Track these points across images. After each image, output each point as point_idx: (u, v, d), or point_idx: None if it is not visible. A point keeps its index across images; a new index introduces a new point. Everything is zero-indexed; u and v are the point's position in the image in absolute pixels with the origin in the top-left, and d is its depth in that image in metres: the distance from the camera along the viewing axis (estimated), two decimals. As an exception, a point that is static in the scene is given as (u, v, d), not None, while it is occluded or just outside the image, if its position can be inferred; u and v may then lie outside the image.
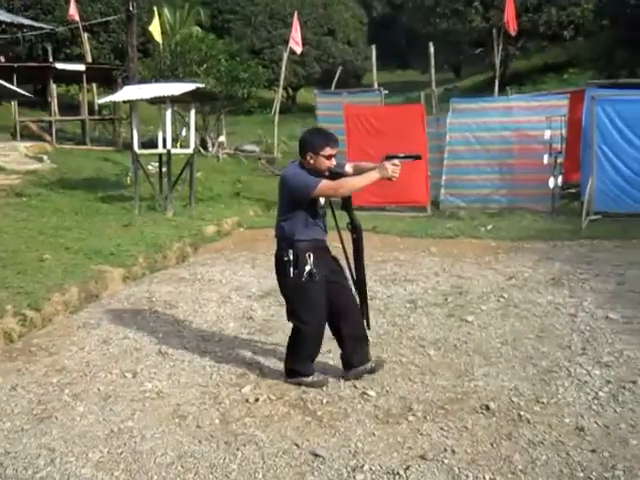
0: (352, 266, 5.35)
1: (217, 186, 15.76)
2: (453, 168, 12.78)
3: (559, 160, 11.75)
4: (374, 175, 4.91)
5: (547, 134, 11.49)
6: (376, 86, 17.18)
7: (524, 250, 9.73)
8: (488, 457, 4.10)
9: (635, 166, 11.16)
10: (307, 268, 4.96)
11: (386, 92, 15.16)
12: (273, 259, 5.19)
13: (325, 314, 5.14)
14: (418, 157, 5.27)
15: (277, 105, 21.79)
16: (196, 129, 21.93)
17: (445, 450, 4.19)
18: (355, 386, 5.17)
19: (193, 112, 13.58)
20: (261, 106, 26.80)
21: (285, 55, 21.79)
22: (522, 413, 4.63)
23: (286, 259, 4.99)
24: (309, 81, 38.63)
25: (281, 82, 22.31)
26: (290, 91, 39.57)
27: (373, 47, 18.40)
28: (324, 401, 4.95)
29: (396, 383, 5.23)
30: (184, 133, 18.26)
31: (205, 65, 21.43)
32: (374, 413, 4.75)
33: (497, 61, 20.00)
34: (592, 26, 25.84)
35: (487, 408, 4.71)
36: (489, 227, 11.21)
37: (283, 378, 5.29)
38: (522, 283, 7.89)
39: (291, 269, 4.97)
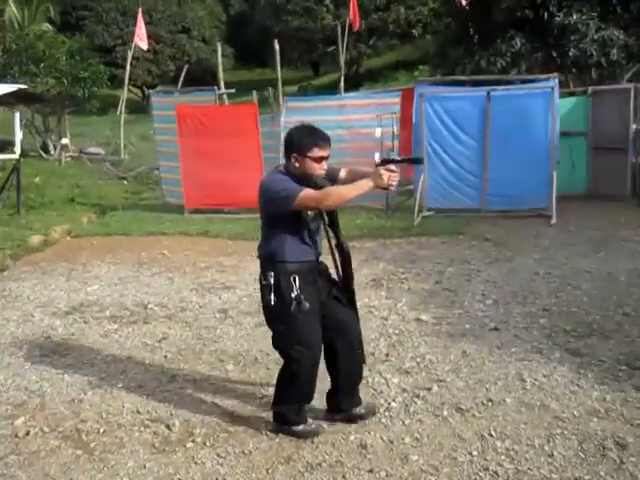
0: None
1: (52, 192, 14.84)
2: (289, 167, 12.51)
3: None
4: (366, 184, 4.04)
5: (378, 132, 11.43)
6: (222, 85, 16.71)
7: (354, 250, 9.51)
8: (258, 486, 3.80)
9: (463, 162, 11.28)
10: (293, 295, 4.12)
11: (232, 91, 14.72)
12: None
13: (319, 349, 4.30)
14: (418, 161, 4.60)
15: (122, 105, 20.99)
16: (37, 132, 21.05)
17: (216, 480, 3.87)
18: (138, 411, 4.76)
19: (18, 115, 12.73)
20: (114, 106, 25.76)
21: (130, 53, 20.98)
22: (306, 433, 4.35)
23: (264, 283, 4.19)
24: (164, 79, 37.71)
25: (126, 80, 21.55)
26: (145, 90, 38.49)
27: (219, 44, 17.89)
28: (101, 430, 4.51)
29: (183, 404, 4.84)
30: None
31: (43, 64, 20.33)
32: (152, 441, 4.36)
33: (342, 58, 19.91)
34: (438, 24, 26.39)
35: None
36: (323, 227, 11.00)
37: (266, 425, 4.49)
38: (342, 286, 7.68)
39: (272, 296, 4.14)
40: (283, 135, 12.18)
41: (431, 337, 5.99)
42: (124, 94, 21.88)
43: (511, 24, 12.56)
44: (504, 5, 12.53)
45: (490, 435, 4.20)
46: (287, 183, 4.07)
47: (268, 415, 4.53)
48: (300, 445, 4.20)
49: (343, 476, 3.86)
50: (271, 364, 5.45)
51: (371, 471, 3.89)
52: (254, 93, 13.02)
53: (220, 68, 18.23)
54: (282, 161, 4.30)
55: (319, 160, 4.11)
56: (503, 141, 10.92)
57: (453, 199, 11.36)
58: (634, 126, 11.75)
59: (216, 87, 14.03)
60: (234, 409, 4.73)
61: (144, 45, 21.07)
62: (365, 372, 5.21)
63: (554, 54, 12.48)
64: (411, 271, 8.13)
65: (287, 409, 4.36)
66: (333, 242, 4.34)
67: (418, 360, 5.49)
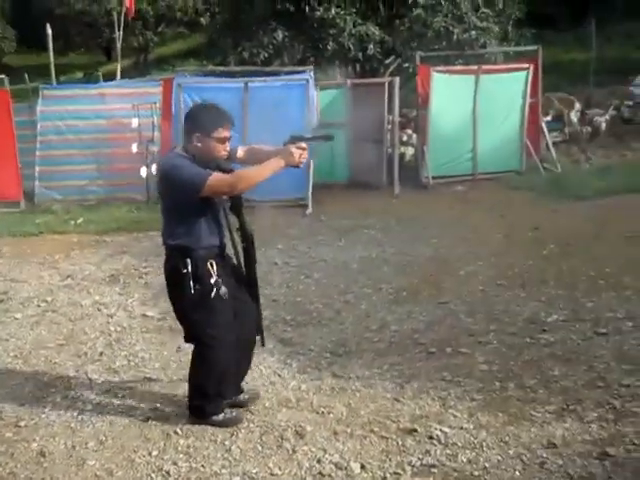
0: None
1: None
2: (47, 159, 11.91)
3: (154, 149, 11.46)
4: (277, 163, 3.92)
5: (135, 122, 11.14)
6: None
7: (104, 244, 9.28)
8: None
9: (223, 153, 11.22)
10: (212, 280, 3.96)
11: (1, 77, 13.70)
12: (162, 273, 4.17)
13: (235, 333, 4.14)
14: (329, 138, 4.42)
15: None
16: None
17: None
18: None
19: None
20: None
21: None
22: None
23: (185, 271, 3.92)
24: None
25: None
26: None
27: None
28: None
29: None
30: None
31: None
32: None
33: (118, 45, 19.33)
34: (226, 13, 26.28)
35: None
36: (79, 221, 10.60)
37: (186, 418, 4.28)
38: (77, 283, 7.42)
39: (191, 283, 3.92)
40: (40, 125, 11.67)
41: (152, 333, 5.89)
42: None
43: (273, 16, 12.68)
44: (263, -4, 12.69)
45: (176, 433, 4.14)
46: (194, 168, 3.87)
47: None
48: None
49: (6, 489, 3.66)
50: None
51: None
52: (5, 79, 12.18)
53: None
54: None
55: (223, 141, 3.95)
56: (261, 132, 10.94)
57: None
58: (390, 118, 12.25)
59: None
60: None
61: None
62: (72, 373, 5.06)
63: (315, 47, 12.74)
64: (153, 265, 7.95)
65: (206, 401, 4.18)
66: (235, 226, 4.19)
67: (130, 358, 5.37)
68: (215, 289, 4.00)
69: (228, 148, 4.04)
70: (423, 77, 12.10)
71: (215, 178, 3.85)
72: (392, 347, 5.37)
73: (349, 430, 4.09)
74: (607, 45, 23.22)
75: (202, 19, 32.43)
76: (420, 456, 3.80)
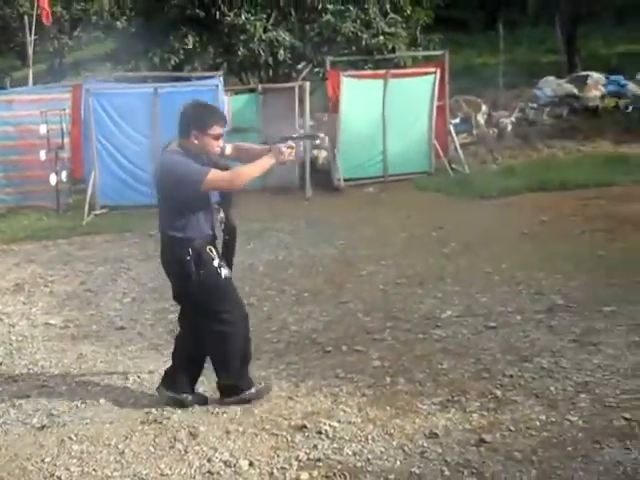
0: None
1: None
2: (-47, 167, 11.67)
3: (63, 155, 11.35)
4: (269, 161, 4.27)
5: (43, 129, 10.99)
6: None
7: (11, 253, 9.15)
8: None
9: (134, 158, 11.20)
10: (215, 263, 4.29)
11: None
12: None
13: (244, 306, 4.58)
14: (314, 137, 4.81)
15: None
16: None
17: None
18: None
19: None
20: None
21: None
22: None
23: (188, 259, 4.20)
24: None
25: None
26: None
27: None
28: None
29: None
30: None
31: None
32: None
33: (29, 50, 19.00)
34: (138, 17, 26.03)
35: None
36: (-12, 230, 10.41)
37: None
38: (-22, 294, 7.32)
39: (196, 269, 4.21)
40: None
41: (54, 341, 5.89)
42: None
43: (183, 21, 12.70)
44: (174, 2, 12.65)
45: (70, 439, 4.18)
46: (194, 166, 4.14)
47: None
48: None
49: None
50: None
51: None
52: None
53: None
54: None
55: (218, 137, 4.22)
56: (171, 137, 10.98)
57: (126, 196, 11.24)
58: (300, 121, 12.41)
59: None
60: None
61: None
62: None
63: (227, 52, 12.82)
64: (60, 273, 7.92)
65: (237, 378, 4.47)
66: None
67: (30, 367, 5.38)
68: (219, 269, 4.31)
69: (221, 144, 4.31)
70: (333, 82, 12.30)
71: (215, 174, 4.15)
72: (290, 347, 5.51)
73: (241, 429, 4.21)
74: (517, 49, 24.02)
75: (118, 23, 32.03)
76: (307, 451, 3.94)
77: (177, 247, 4.26)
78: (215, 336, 4.41)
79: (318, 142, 11.77)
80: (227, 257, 4.49)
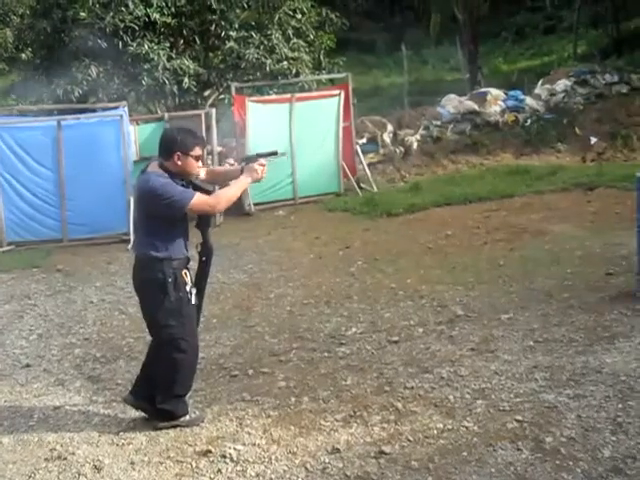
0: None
1: None
2: None
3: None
4: (245, 181, 4.49)
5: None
6: None
7: None
8: None
9: (40, 192, 11.01)
10: (187, 288, 4.42)
11: None
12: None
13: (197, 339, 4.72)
14: (275, 153, 4.72)
15: None
16: None
17: None
18: None
19: None
20: None
21: None
22: None
23: (169, 280, 4.32)
24: None
25: None
26: None
27: None
28: None
29: None
30: None
31: None
32: None
33: None
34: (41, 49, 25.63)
35: None
36: None
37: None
38: None
39: (172, 291, 4.32)
40: None
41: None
42: None
43: (86, 52, 12.59)
44: (75, 33, 12.55)
45: (-30, 480, 4.14)
46: (178, 188, 4.28)
47: None
48: None
49: None
50: None
51: None
52: None
53: None
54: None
55: (198, 159, 4.43)
56: (78, 169, 10.91)
57: (33, 231, 11.05)
58: (208, 147, 12.45)
59: None
60: None
61: None
62: None
63: (132, 82, 12.76)
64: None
65: (173, 404, 4.54)
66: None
67: None
68: (189, 295, 4.45)
69: (201, 165, 4.53)
70: (239, 107, 12.41)
71: (200, 198, 4.34)
72: (197, 374, 5.54)
73: (146, 459, 4.25)
74: (423, 68, 24.71)
75: (23, 55, 31.43)
76: (212, 475, 4.02)
77: (157, 267, 4.37)
78: (168, 362, 4.51)
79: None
80: (199, 282, 4.66)
